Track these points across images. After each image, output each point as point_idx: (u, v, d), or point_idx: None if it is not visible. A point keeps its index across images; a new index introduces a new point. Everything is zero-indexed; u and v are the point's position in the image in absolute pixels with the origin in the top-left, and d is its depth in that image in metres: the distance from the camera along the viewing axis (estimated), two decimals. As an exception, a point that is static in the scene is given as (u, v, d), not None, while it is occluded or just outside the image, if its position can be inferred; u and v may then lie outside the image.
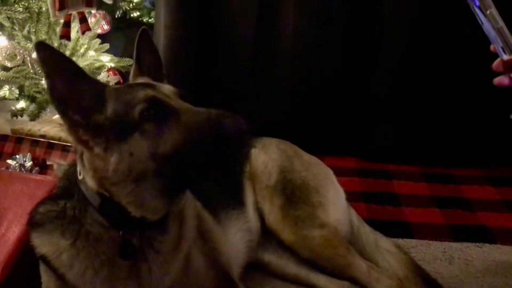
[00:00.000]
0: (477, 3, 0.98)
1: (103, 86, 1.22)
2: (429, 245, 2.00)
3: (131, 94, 1.16)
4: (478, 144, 2.69)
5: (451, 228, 2.11)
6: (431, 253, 1.94)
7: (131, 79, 1.40)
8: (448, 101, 2.68)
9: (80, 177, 1.23)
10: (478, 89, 2.31)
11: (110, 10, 3.23)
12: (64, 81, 1.14)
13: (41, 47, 1.12)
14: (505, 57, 1.00)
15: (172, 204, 1.24)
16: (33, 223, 1.33)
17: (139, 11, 3.86)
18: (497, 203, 2.36)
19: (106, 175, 1.16)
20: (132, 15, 3.84)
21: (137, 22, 3.90)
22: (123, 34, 3.95)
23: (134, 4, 3.79)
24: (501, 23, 0.99)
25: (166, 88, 1.23)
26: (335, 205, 1.81)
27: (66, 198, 1.27)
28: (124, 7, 3.68)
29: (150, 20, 3.86)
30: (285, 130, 2.45)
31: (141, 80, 1.35)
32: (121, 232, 1.20)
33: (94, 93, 1.17)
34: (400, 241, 1.96)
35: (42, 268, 1.35)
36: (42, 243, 1.29)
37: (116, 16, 3.66)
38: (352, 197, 1.98)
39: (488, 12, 0.98)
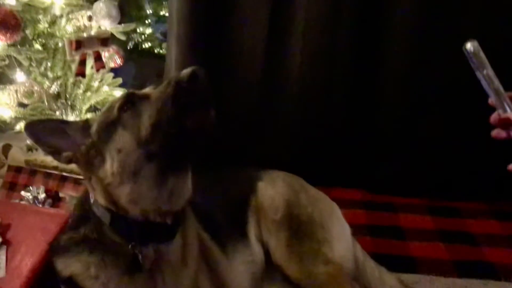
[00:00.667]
0: (475, 64, 1.03)
1: (85, 120, 1.42)
2: (433, 281, 1.99)
3: (111, 104, 1.33)
4: (484, 178, 2.68)
5: (456, 264, 2.11)
6: (436, 290, 1.94)
7: None
8: (453, 136, 2.70)
9: (92, 200, 1.35)
10: (484, 124, 2.35)
11: (122, 42, 3.33)
12: (54, 140, 1.34)
13: (28, 128, 1.35)
14: (502, 114, 1.05)
15: (169, 194, 1.30)
16: (57, 250, 1.42)
17: (150, 43, 3.98)
18: (502, 238, 2.35)
19: (108, 182, 1.27)
20: (143, 47, 3.96)
21: (148, 53, 4.03)
22: (134, 64, 4.08)
23: (146, 36, 3.91)
24: (496, 82, 1.04)
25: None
26: (340, 241, 1.83)
27: (84, 225, 1.37)
28: (136, 39, 3.79)
29: (161, 51, 3.97)
30: (292, 161, 2.48)
31: None
32: (130, 246, 1.29)
33: (79, 130, 1.36)
34: (404, 276, 1.94)
35: None
36: (69, 265, 1.37)
37: (128, 48, 3.77)
38: (357, 230, 2.01)
39: (484, 72, 1.04)
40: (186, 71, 1.21)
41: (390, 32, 2.70)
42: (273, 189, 1.92)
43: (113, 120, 1.28)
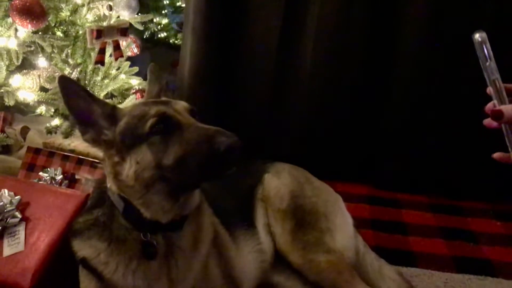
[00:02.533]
0: (479, 54, 1.09)
1: (113, 107, 1.41)
2: (432, 275, 2.05)
3: (144, 110, 1.32)
4: (486, 178, 2.73)
5: (455, 260, 2.17)
6: (433, 283, 1.99)
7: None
8: (458, 135, 2.75)
9: (108, 185, 1.42)
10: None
11: (138, 31, 3.41)
12: (79, 106, 1.37)
13: (61, 79, 1.37)
14: (496, 106, 1.10)
15: (179, 206, 1.37)
16: (74, 232, 1.51)
17: (166, 33, 4.05)
18: (502, 237, 2.40)
19: (122, 179, 1.34)
20: (159, 36, 4.04)
21: (163, 43, 4.10)
22: (150, 53, 4.15)
23: (162, 26, 3.98)
24: (497, 75, 1.10)
25: (180, 105, 1.37)
26: (342, 231, 1.89)
27: (99, 207, 1.46)
28: (152, 29, 3.87)
29: (176, 41, 4.04)
30: (299, 155, 2.53)
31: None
32: (141, 234, 1.37)
33: (105, 113, 1.38)
34: (404, 269, 2.00)
35: (82, 273, 1.51)
36: (83, 248, 1.47)
37: (144, 37, 3.85)
38: (360, 224, 2.06)
39: (487, 63, 1.09)
40: (226, 141, 1.20)
41: (402, 30, 2.74)
42: (278, 180, 1.98)
43: (141, 134, 1.29)
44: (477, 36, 1.11)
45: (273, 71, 2.95)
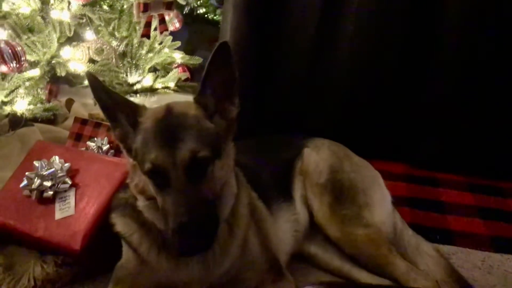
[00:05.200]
0: None
1: (136, 113, 1.40)
2: (469, 253, 2.04)
3: (149, 146, 1.31)
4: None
5: (493, 239, 2.15)
6: (471, 261, 1.99)
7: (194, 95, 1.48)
8: (499, 115, 2.70)
9: None
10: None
11: (179, 7, 3.43)
12: (106, 103, 1.39)
13: (89, 76, 1.38)
14: None
15: None
16: (113, 206, 1.62)
17: (205, 8, 4.07)
18: (543, 218, 2.35)
19: (134, 183, 1.44)
20: (198, 12, 4.06)
21: (202, 18, 4.13)
22: (187, 29, 4.18)
23: (201, 1, 4.00)
24: None
25: (182, 154, 1.28)
26: (380, 207, 1.91)
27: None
28: (192, 4, 3.89)
29: (215, 17, 4.06)
30: (336, 133, 2.54)
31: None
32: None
33: (129, 120, 1.40)
34: (441, 247, 2.00)
35: (124, 245, 1.60)
36: (119, 223, 1.58)
37: (184, 12, 3.88)
38: (397, 201, 2.05)
39: None
40: (180, 240, 1.25)
41: (444, 8, 2.68)
42: (317, 155, 2.01)
43: (143, 169, 1.32)
44: None
45: (311, 47, 2.93)
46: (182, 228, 1.23)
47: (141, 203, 1.45)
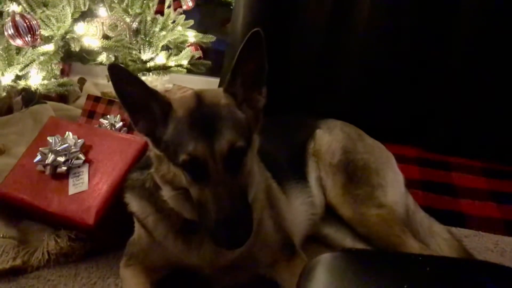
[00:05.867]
0: None
1: (169, 104, 1.32)
2: (482, 236, 2.03)
3: (185, 138, 1.26)
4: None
5: (506, 223, 2.14)
6: (483, 244, 1.98)
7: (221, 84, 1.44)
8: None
9: None
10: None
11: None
12: (133, 95, 1.30)
13: (112, 68, 1.28)
14: None
15: None
16: (127, 186, 1.60)
17: (218, -11, 4.01)
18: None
19: (159, 174, 1.39)
20: (211, -8, 4.01)
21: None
22: (200, 11, 4.15)
23: (214, -19, 3.95)
24: None
25: (223, 144, 1.25)
26: (393, 188, 1.89)
27: (148, 169, 1.49)
28: (205, -16, 3.85)
29: (227, -1, 4.02)
30: (349, 116, 2.53)
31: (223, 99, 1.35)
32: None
33: (162, 109, 1.32)
34: (454, 229, 1.99)
35: (137, 223, 1.60)
36: (134, 204, 1.56)
37: (196, -8, 3.84)
38: (410, 184, 2.04)
39: None
40: (223, 232, 1.23)
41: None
42: (330, 136, 2.00)
43: (176, 159, 1.28)
44: None
45: (326, 27, 2.91)
46: (228, 221, 1.22)
47: (167, 193, 1.41)
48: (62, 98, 3.27)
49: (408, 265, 0.97)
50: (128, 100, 1.32)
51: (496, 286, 0.89)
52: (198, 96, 1.34)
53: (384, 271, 0.94)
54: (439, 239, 1.84)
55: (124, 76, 1.30)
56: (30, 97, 2.95)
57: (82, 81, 3.32)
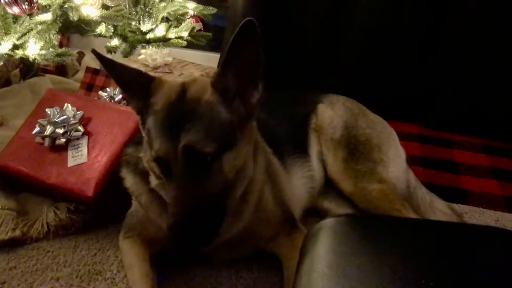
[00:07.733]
0: None
1: (151, 90, 1.31)
2: (483, 212, 2.03)
3: (156, 134, 1.24)
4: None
5: (507, 200, 2.13)
6: (484, 220, 1.98)
7: (212, 75, 1.32)
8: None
9: None
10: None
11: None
12: (120, 77, 1.34)
13: (102, 57, 1.31)
14: None
15: None
16: (123, 160, 1.60)
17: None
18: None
19: (145, 159, 1.38)
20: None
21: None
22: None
23: None
24: None
25: (186, 141, 1.19)
26: (395, 163, 1.88)
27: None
28: None
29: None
30: (351, 92, 2.51)
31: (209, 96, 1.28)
32: None
33: (141, 85, 1.32)
34: (455, 205, 1.99)
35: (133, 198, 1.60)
36: (128, 179, 1.57)
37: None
38: (411, 161, 2.03)
39: None
40: (172, 236, 1.20)
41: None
42: (332, 111, 1.99)
43: (152, 153, 1.27)
44: None
45: (329, 4, 2.85)
46: (176, 226, 1.18)
47: (153, 180, 1.41)
48: (61, 72, 3.24)
49: (410, 228, 0.97)
50: (120, 81, 1.36)
51: (495, 247, 0.90)
52: (183, 88, 1.29)
53: (388, 234, 0.94)
54: (440, 215, 1.85)
55: (109, 62, 1.31)
56: (28, 70, 2.92)
57: (81, 55, 3.28)
